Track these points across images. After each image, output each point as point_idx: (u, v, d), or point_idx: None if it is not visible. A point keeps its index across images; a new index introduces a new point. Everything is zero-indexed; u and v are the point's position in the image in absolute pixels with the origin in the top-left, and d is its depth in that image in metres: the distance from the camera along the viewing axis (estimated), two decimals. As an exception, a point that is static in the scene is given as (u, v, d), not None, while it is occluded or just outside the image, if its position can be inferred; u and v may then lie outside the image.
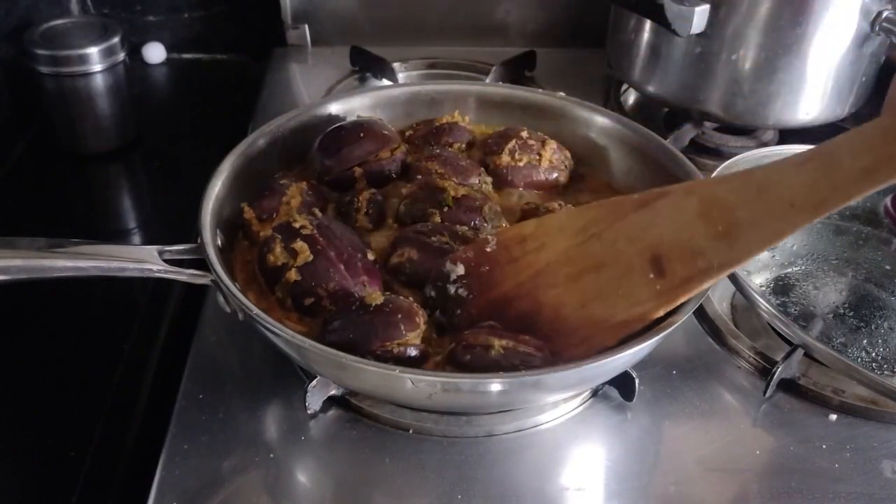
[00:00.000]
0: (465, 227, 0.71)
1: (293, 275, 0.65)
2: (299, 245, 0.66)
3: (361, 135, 0.79)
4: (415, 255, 0.68)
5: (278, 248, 0.67)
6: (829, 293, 0.83)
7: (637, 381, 0.68)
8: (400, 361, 0.60)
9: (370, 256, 0.69)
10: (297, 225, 0.68)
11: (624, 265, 0.61)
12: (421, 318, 0.63)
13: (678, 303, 0.60)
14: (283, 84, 1.21)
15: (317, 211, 0.73)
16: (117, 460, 0.69)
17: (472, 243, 0.67)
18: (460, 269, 0.66)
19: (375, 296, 0.63)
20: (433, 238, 0.69)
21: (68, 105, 1.04)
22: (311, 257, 0.66)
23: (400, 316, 0.62)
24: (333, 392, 0.67)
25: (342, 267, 0.66)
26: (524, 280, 0.65)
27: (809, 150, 0.55)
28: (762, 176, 0.56)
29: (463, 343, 0.61)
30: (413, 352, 0.61)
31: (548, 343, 0.62)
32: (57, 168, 1.07)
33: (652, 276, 0.60)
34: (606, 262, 0.62)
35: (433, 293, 0.67)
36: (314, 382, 0.66)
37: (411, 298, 0.65)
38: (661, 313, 0.60)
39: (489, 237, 0.67)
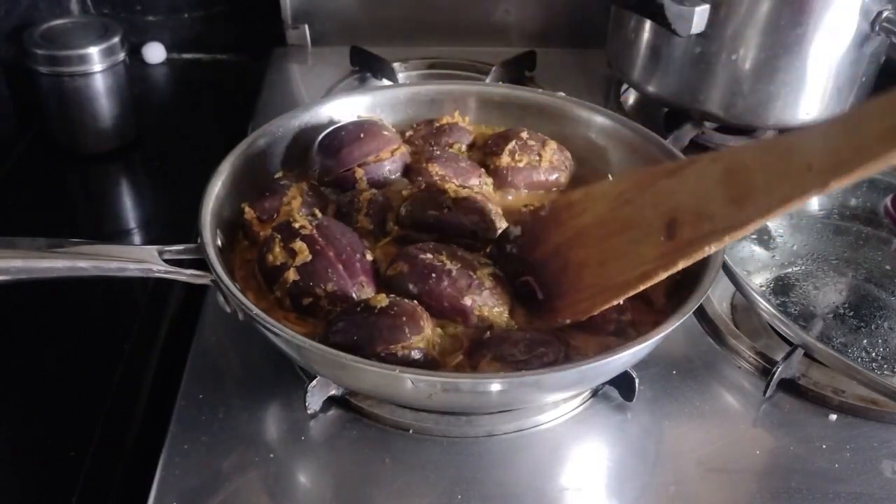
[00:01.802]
0: (466, 252, 0.70)
1: (292, 274, 0.65)
2: (298, 245, 0.66)
3: (361, 135, 0.79)
4: (406, 268, 0.67)
5: (277, 248, 0.67)
6: (829, 293, 0.83)
7: (637, 380, 0.68)
8: (404, 365, 0.60)
9: (369, 257, 0.69)
10: (296, 225, 0.68)
11: (644, 227, 0.63)
12: (426, 322, 0.63)
13: (677, 267, 0.61)
14: (283, 84, 1.21)
15: (316, 211, 0.73)
16: (117, 460, 0.69)
17: (531, 211, 0.73)
18: (518, 231, 0.70)
19: (380, 298, 0.63)
20: (427, 255, 0.67)
21: (68, 105, 1.04)
22: (309, 257, 0.66)
23: (405, 319, 0.62)
24: (333, 392, 0.67)
25: (340, 267, 0.66)
26: (562, 241, 0.68)
27: (838, 116, 0.55)
28: (787, 142, 0.57)
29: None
30: (417, 355, 0.61)
31: (559, 299, 0.67)
32: (57, 168, 1.07)
33: (663, 238, 0.62)
34: (631, 224, 0.64)
35: (495, 251, 0.71)
36: (314, 382, 0.66)
37: (415, 302, 0.65)
38: (661, 276, 0.62)
39: (544, 204, 0.71)
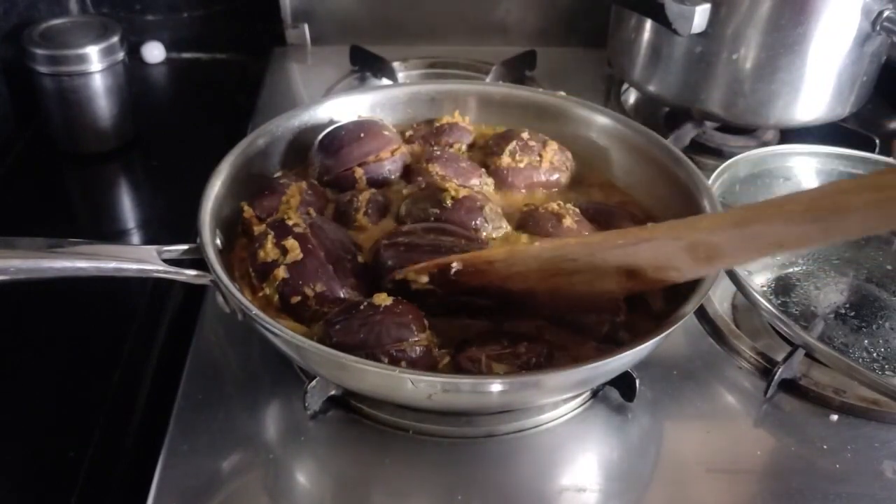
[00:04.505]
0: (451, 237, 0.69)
1: (281, 272, 0.65)
2: (290, 243, 0.66)
3: (361, 135, 0.79)
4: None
5: (269, 244, 0.67)
6: (831, 293, 0.83)
7: (637, 381, 0.68)
8: (412, 362, 0.60)
9: (360, 259, 0.69)
10: (290, 222, 0.68)
11: (598, 273, 0.63)
12: (425, 321, 0.63)
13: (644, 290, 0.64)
14: (283, 84, 1.21)
15: (311, 210, 0.73)
16: (117, 460, 0.69)
17: (435, 261, 0.65)
18: (423, 279, 0.65)
19: (383, 296, 0.63)
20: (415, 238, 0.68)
21: (67, 105, 1.03)
22: (300, 256, 0.66)
23: (410, 317, 0.62)
24: (333, 392, 0.67)
25: (330, 268, 0.66)
26: (492, 281, 0.65)
27: (815, 200, 0.53)
28: (759, 228, 0.55)
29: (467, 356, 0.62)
30: (422, 352, 0.61)
31: (521, 315, 0.67)
32: (56, 168, 1.07)
33: (624, 278, 0.63)
34: (580, 271, 0.63)
35: (391, 287, 0.66)
36: (314, 382, 0.65)
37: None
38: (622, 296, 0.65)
39: (454, 263, 0.64)
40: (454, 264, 0.64)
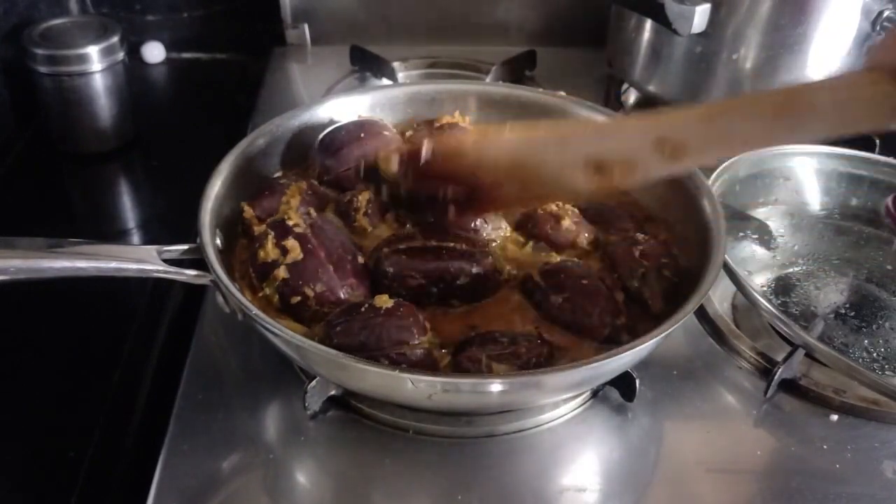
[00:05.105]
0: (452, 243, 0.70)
1: (282, 272, 0.65)
2: (290, 243, 0.66)
3: (361, 134, 0.79)
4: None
5: (269, 245, 0.67)
6: (831, 293, 0.83)
7: (637, 381, 0.68)
8: (412, 365, 0.60)
9: (360, 259, 0.69)
10: (290, 222, 0.68)
11: (566, 163, 0.64)
12: (427, 323, 0.63)
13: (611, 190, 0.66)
14: (282, 84, 1.21)
15: (311, 210, 0.73)
16: (117, 460, 0.69)
17: (407, 145, 0.69)
18: (394, 167, 0.68)
19: (384, 298, 0.63)
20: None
21: (67, 105, 1.03)
22: (300, 256, 0.66)
23: (411, 320, 0.62)
24: (333, 392, 0.67)
25: (331, 268, 0.66)
26: (461, 169, 0.67)
27: (782, 97, 0.56)
28: (726, 124, 0.57)
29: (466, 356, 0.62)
30: (423, 354, 0.61)
31: (489, 205, 0.70)
32: (56, 168, 1.07)
33: (592, 174, 0.63)
34: (548, 160, 0.65)
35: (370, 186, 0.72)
36: (314, 383, 0.65)
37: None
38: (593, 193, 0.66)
39: (425, 147, 0.67)
40: (425, 148, 0.66)
